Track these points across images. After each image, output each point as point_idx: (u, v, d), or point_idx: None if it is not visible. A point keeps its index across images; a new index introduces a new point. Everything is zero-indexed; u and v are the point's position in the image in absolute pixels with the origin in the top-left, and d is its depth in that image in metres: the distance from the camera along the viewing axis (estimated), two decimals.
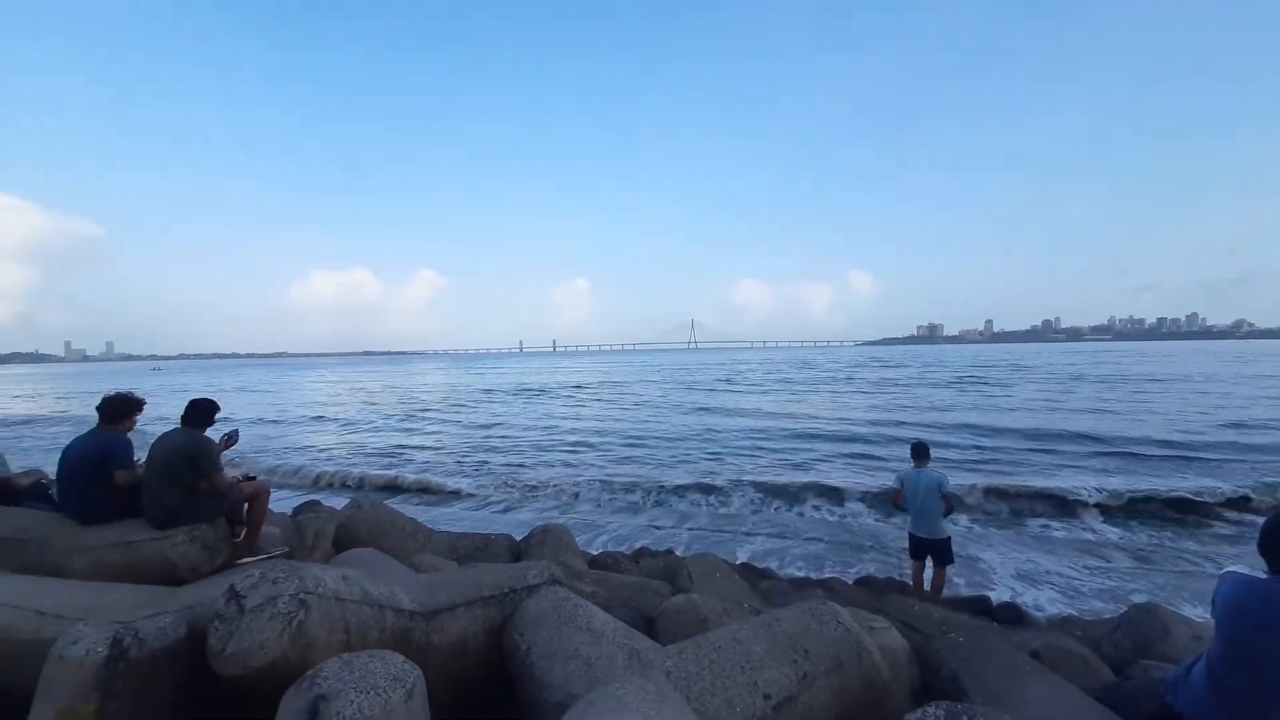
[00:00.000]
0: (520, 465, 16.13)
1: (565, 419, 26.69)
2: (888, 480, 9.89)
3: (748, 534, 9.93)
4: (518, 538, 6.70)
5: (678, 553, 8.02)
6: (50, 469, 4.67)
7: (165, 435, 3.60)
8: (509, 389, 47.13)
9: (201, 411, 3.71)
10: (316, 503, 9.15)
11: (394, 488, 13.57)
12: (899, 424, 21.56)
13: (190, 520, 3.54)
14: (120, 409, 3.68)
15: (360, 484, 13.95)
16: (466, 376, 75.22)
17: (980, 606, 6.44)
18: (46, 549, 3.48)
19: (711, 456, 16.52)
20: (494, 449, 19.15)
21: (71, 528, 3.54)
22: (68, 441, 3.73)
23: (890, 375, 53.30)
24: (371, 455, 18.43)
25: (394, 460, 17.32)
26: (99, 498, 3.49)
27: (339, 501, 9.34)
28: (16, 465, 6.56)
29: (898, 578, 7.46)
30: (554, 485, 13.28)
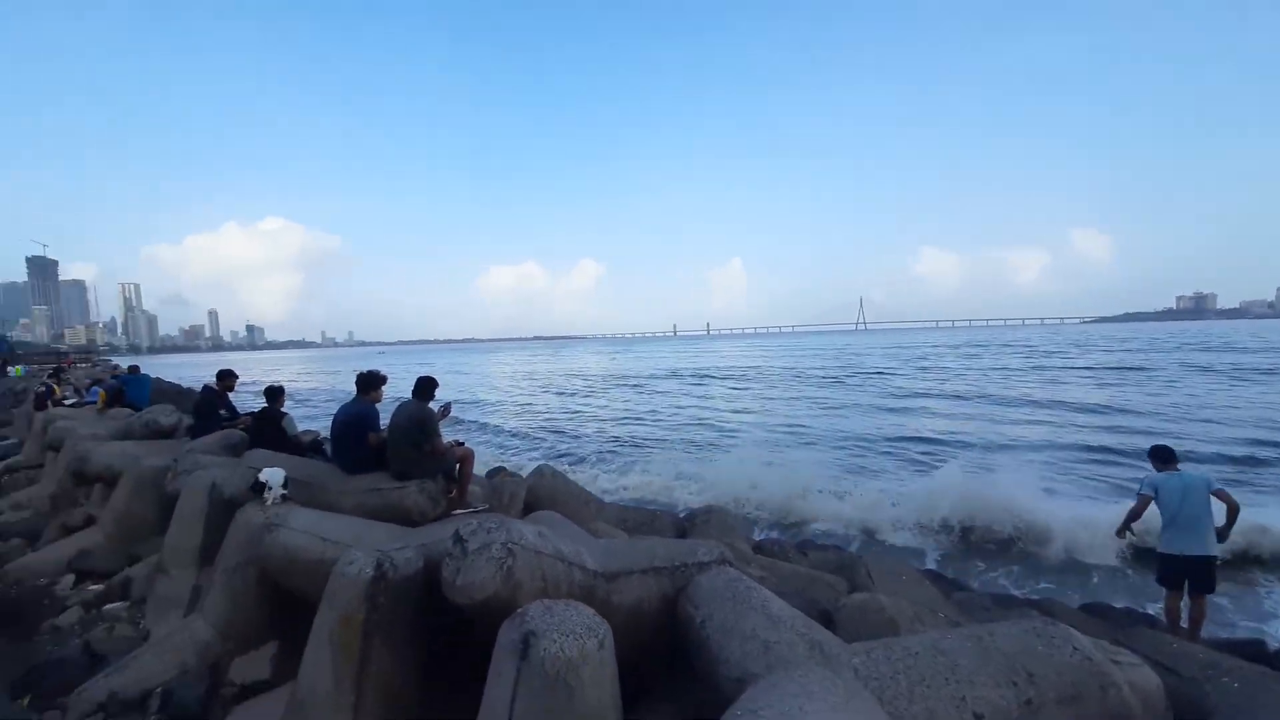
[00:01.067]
0: (684, 445, 16.57)
1: (712, 405, 26.61)
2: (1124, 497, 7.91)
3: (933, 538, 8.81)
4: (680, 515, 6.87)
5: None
6: (313, 428, 6.06)
7: (401, 405, 4.42)
8: (664, 373, 48.60)
9: (426, 386, 4.46)
10: (504, 469, 10.49)
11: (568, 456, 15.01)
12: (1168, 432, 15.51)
13: (419, 475, 4.29)
14: (371, 382, 4.62)
15: (539, 454, 15.71)
16: (625, 360, 79.22)
17: (1254, 650, 4.86)
18: (324, 491, 4.50)
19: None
20: (650, 429, 19.96)
21: (340, 476, 4.55)
22: (335, 408, 4.80)
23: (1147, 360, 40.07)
24: (546, 429, 20.56)
25: (564, 435, 19.11)
26: (359, 453, 4.43)
27: (523, 469, 10.58)
28: (301, 426, 8.58)
29: (1139, 609, 5.99)
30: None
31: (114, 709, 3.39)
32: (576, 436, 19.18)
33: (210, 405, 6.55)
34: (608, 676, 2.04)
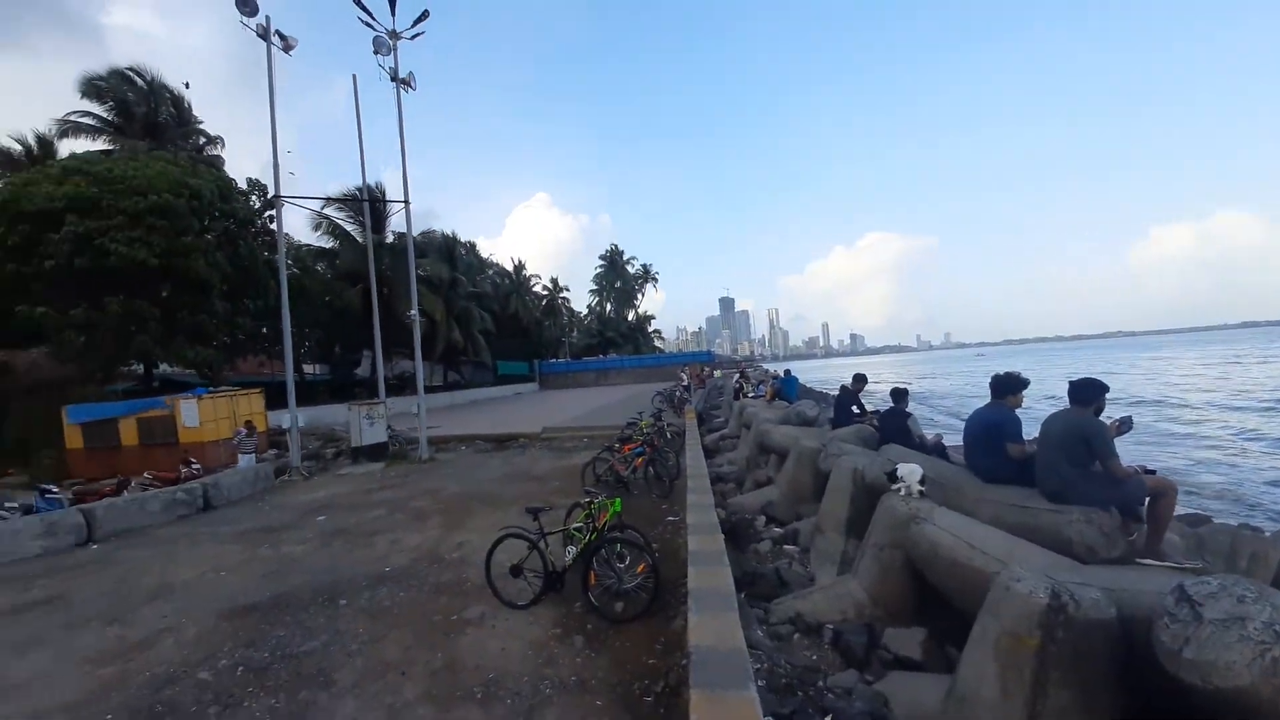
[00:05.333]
0: None
1: None
2: None
3: None
4: None
5: None
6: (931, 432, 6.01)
7: (1057, 414, 3.79)
8: None
9: (1084, 391, 3.64)
10: (1245, 525, 7.32)
11: None
12: None
13: (1080, 500, 3.53)
14: (1008, 386, 4.21)
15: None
16: None
17: None
18: (959, 495, 4.42)
19: None
20: None
21: (976, 482, 4.35)
22: (945, 410, 4.62)
23: None
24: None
25: None
26: (995, 461, 4.10)
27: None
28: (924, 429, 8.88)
29: None
30: None
31: (800, 626, 4.50)
32: None
33: (846, 402, 7.91)
34: None
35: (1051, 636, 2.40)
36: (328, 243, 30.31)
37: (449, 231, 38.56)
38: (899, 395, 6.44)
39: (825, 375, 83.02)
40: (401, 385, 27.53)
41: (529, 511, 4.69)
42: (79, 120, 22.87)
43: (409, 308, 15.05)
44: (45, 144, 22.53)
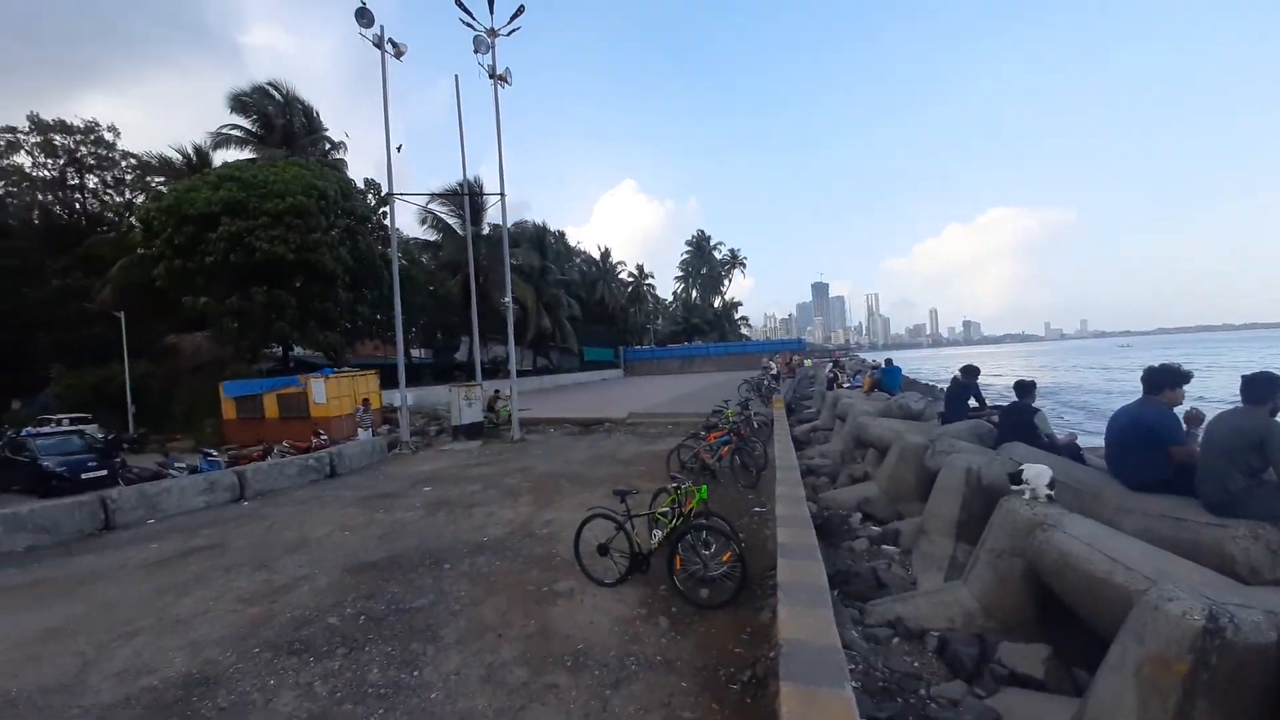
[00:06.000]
0: None
1: None
2: None
3: None
4: None
5: None
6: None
7: (1225, 414, 3.24)
8: None
9: (1260, 387, 3.08)
10: None
11: None
12: None
13: (1250, 512, 3.02)
14: (1164, 380, 3.65)
15: None
16: None
17: None
18: (1097, 502, 3.93)
19: None
20: None
21: (1120, 489, 3.84)
22: (1080, 405, 4.06)
23: None
24: None
25: None
26: (1147, 467, 3.59)
27: None
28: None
29: None
30: None
31: (900, 630, 4.26)
32: None
33: (960, 395, 7.28)
34: None
35: (1204, 662, 2.11)
36: (432, 236, 32.87)
37: (539, 221, 40.30)
38: (1024, 389, 5.81)
39: (934, 366, 76.87)
40: (495, 369, 29.36)
41: (616, 494, 4.83)
42: (229, 132, 26.52)
43: (503, 295, 15.97)
44: (201, 154, 26.35)
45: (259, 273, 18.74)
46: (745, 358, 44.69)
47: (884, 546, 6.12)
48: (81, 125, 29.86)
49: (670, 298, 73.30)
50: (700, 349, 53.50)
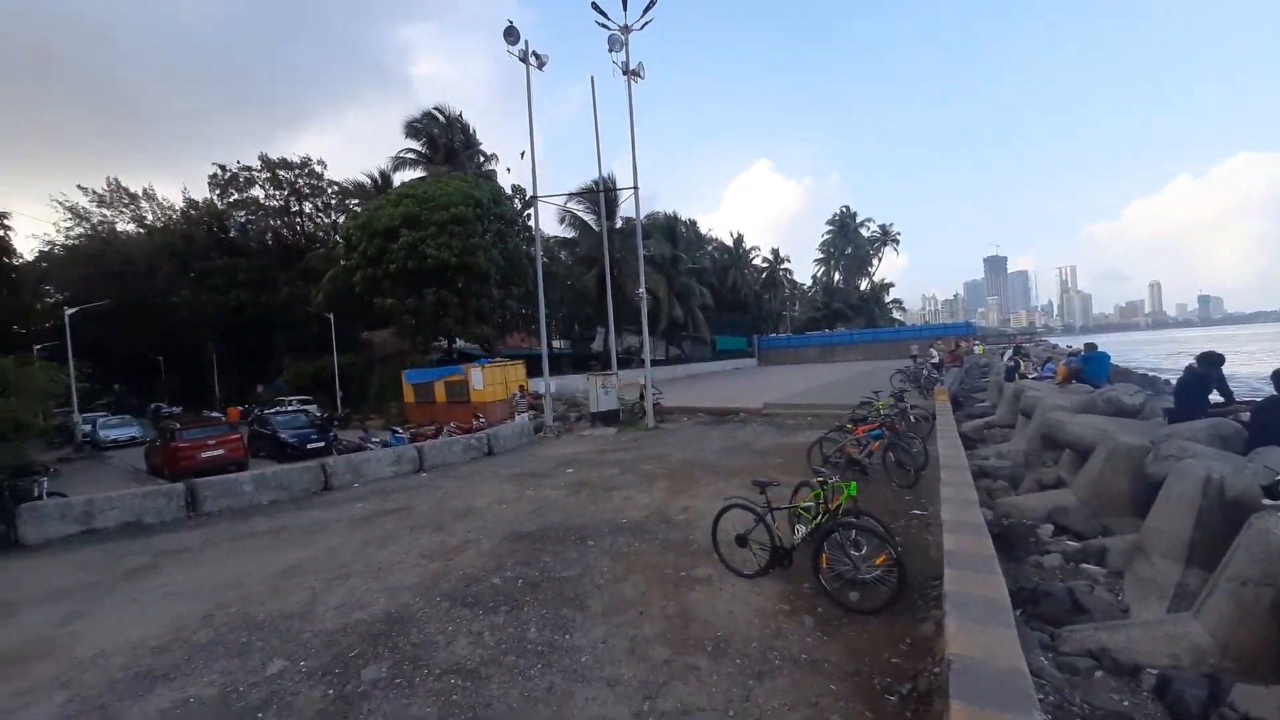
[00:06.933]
0: None
1: None
2: None
3: None
4: None
5: None
6: None
7: None
8: None
9: None
10: None
11: None
12: None
13: None
14: None
15: None
16: None
17: None
18: None
19: None
20: None
21: None
22: None
23: None
24: None
25: None
26: None
27: None
28: None
29: None
30: None
31: (1106, 663, 3.62)
32: None
33: (1197, 387, 5.90)
34: None
35: None
36: (569, 233, 35.11)
37: (670, 211, 40.82)
38: None
39: (1154, 352, 63.33)
40: (629, 358, 30.52)
41: (755, 484, 4.76)
42: (405, 155, 30.99)
43: (636, 287, 16.50)
44: (385, 176, 31.14)
45: (429, 275, 21.68)
46: (897, 345, 40.80)
47: (1084, 565, 5.30)
48: (298, 161, 37.20)
49: (809, 282, 69.60)
50: (843, 336, 50.12)
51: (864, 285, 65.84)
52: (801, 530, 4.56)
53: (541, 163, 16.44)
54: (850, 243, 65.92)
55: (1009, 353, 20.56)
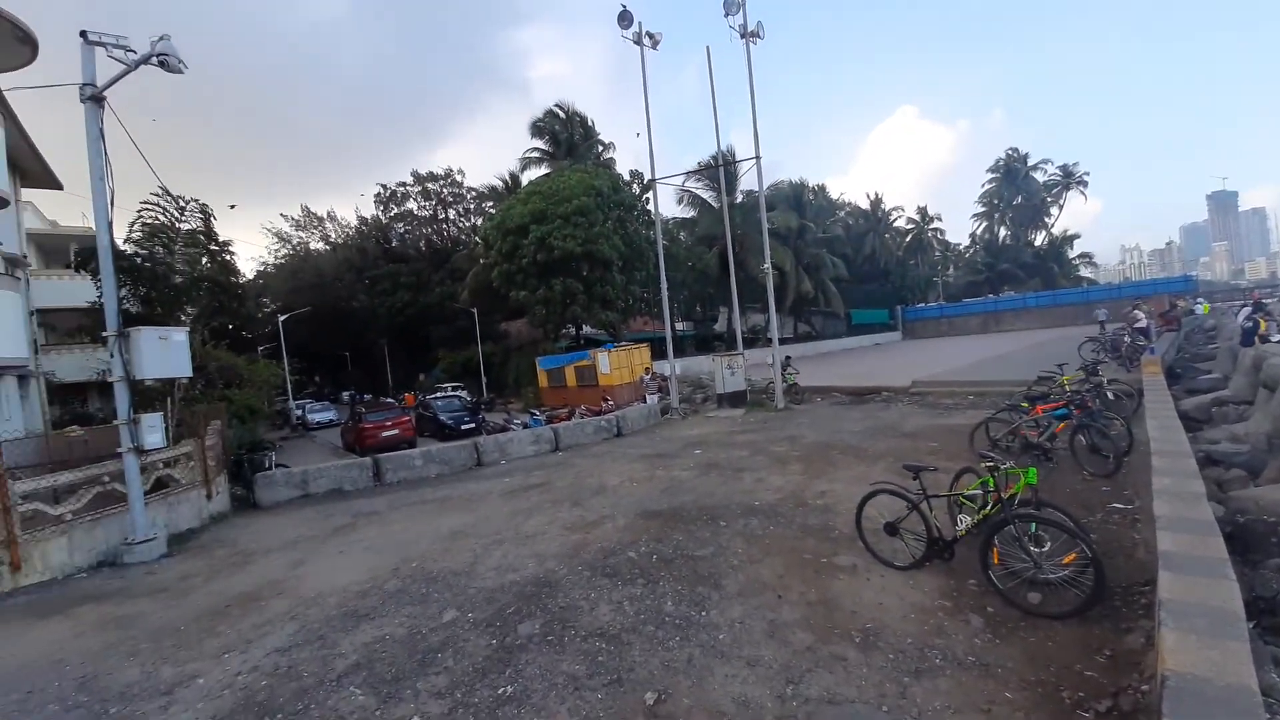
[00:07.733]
0: None
1: None
2: None
3: None
4: None
5: None
6: None
7: None
8: None
9: None
10: None
11: None
12: None
13: None
14: None
15: None
16: None
17: None
18: None
19: None
20: None
21: None
22: None
23: None
24: None
25: None
26: None
27: None
28: None
29: None
30: None
31: None
32: None
33: None
34: None
35: None
36: (688, 213, 34.99)
37: (796, 179, 38.72)
38: None
39: None
40: (754, 338, 29.78)
41: (908, 469, 4.38)
42: (530, 155, 33.21)
43: (761, 263, 15.95)
44: (515, 177, 33.67)
45: (557, 266, 23.06)
46: (1085, 309, 34.59)
47: None
48: (442, 172, 41.67)
49: (966, 241, 61.74)
50: (1012, 301, 43.92)
51: (1039, 240, 56.49)
52: (965, 521, 4.11)
53: (658, 143, 16.51)
54: (1020, 191, 56.50)
55: (1245, 311, 16.44)
